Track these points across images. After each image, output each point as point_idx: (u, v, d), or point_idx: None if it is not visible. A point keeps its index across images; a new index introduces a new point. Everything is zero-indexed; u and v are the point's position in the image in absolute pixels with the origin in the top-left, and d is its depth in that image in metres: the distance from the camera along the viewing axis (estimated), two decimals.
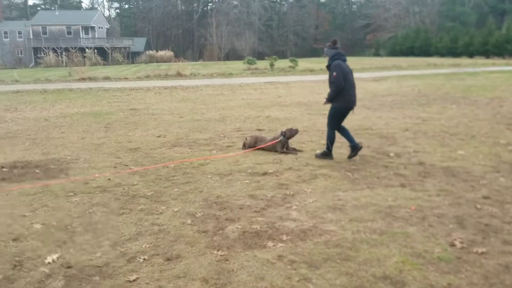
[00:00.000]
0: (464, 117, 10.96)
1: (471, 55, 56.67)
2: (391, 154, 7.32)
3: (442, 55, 59.93)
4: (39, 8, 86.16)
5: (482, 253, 3.78)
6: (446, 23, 73.86)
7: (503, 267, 3.54)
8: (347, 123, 10.40)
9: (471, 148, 7.70)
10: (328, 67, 6.82)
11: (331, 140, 7.03)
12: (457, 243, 3.96)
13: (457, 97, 15.32)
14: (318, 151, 7.42)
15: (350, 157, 7.05)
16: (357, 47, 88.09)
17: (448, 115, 11.43)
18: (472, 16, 75.10)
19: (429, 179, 5.94)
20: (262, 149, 7.61)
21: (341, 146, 7.94)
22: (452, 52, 59.37)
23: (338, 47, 6.88)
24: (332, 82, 6.67)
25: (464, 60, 47.57)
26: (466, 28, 65.19)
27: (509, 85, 19.28)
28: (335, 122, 6.98)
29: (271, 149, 7.54)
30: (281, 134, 7.56)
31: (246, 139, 7.93)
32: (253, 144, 7.71)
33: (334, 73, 6.59)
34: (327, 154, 7.11)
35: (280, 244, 3.99)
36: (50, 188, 5.78)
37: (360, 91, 18.26)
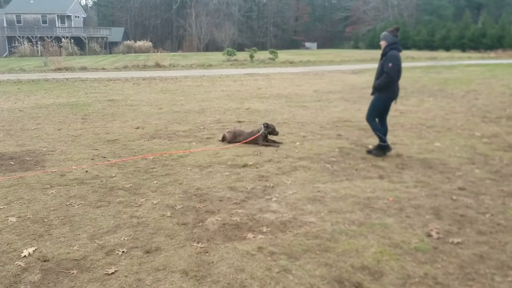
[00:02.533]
0: (440, 110, 11.14)
1: (447, 48, 57.63)
2: (370, 146, 7.39)
3: (419, 48, 60.73)
4: None
5: (458, 243, 3.86)
6: (424, 16, 74.93)
7: (478, 257, 3.62)
8: (327, 115, 10.49)
9: (447, 140, 7.83)
10: (384, 54, 6.54)
11: (379, 131, 6.72)
12: (433, 233, 4.03)
13: (434, 90, 15.55)
14: (370, 146, 7.22)
15: (368, 151, 6.97)
16: (336, 39, 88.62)
17: (425, 107, 11.60)
18: (449, 10, 76.33)
19: (407, 170, 6.03)
20: (244, 142, 7.60)
21: (320, 138, 7.99)
22: (429, 45, 60.25)
23: (398, 36, 6.63)
24: (385, 71, 6.42)
25: (441, 54, 48.33)
26: (443, 21, 66.22)
27: (484, 79, 19.66)
28: (376, 112, 6.76)
29: (252, 141, 7.54)
30: (264, 126, 7.56)
31: (224, 135, 7.87)
32: (232, 139, 7.68)
33: (390, 64, 6.35)
34: (383, 147, 6.78)
35: (260, 236, 4.00)
36: (25, 180, 5.67)
37: (340, 83, 18.44)
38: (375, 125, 6.77)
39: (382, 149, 6.78)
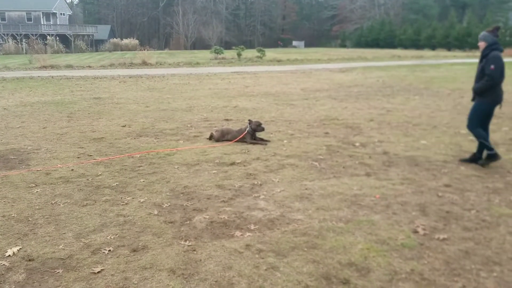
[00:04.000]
0: (426, 108, 11.24)
1: (433, 47, 58.20)
2: (357, 144, 7.43)
3: (405, 47, 61.26)
4: None
5: (444, 239, 3.90)
6: (410, 16, 75.62)
7: (463, 253, 3.66)
8: (314, 113, 10.52)
9: (433, 138, 7.90)
10: (484, 56, 6.02)
11: (484, 137, 6.10)
12: (419, 230, 4.07)
13: (420, 88, 15.68)
14: (480, 161, 6.27)
15: (482, 164, 6.18)
16: (323, 38, 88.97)
17: (411, 105, 11.70)
18: (435, 9, 77.10)
19: (393, 168, 6.07)
20: (230, 140, 7.59)
21: (308, 136, 8.00)
22: (415, 44, 60.80)
23: (498, 35, 6.09)
24: (487, 74, 5.88)
25: (427, 52, 48.79)
26: (429, 20, 66.87)
27: (469, 77, 19.87)
28: (479, 119, 6.15)
29: (240, 139, 7.53)
30: (249, 124, 7.55)
31: (212, 133, 7.85)
32: (220, 137, 7.66)
33: (492, 66, 5.83)
34: (492, 156, 6.10)
35: (247, 234, 4.00)
36: (10, 179, 5.59)
37: (327, 81, 18.48)
38: (479, 132, 6.14)
39: (490, 158, 6.13)
